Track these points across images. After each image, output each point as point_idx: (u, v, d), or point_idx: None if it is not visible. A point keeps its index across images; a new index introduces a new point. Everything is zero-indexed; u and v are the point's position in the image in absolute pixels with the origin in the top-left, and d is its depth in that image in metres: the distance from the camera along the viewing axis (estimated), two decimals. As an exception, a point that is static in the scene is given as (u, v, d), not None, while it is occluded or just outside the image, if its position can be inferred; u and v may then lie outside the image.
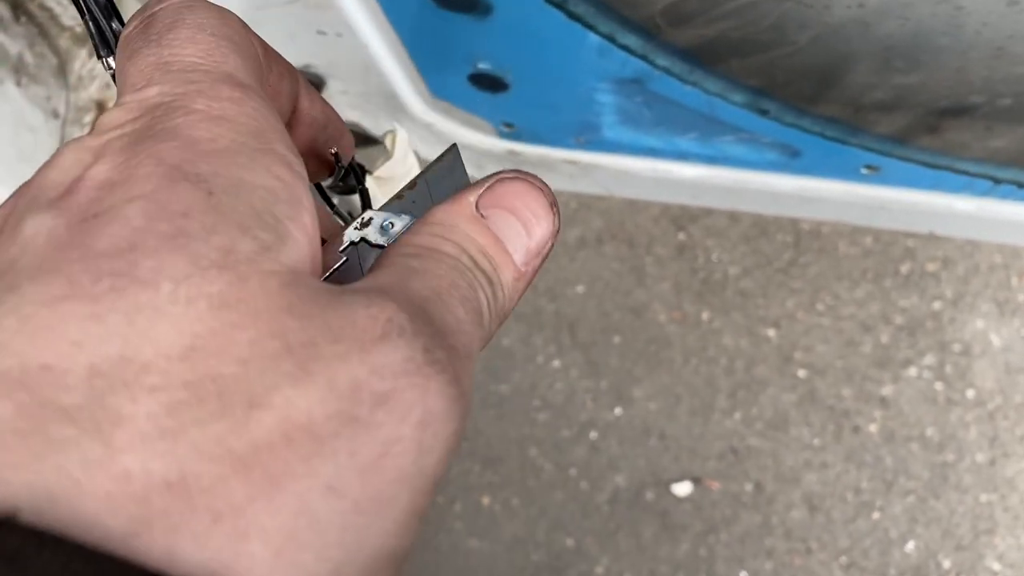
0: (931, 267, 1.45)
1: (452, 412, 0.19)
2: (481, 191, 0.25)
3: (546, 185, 0.26)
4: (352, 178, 0.34)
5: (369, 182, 0.41)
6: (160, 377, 0.16)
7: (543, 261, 0.26)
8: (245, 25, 0.25)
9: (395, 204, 0.27)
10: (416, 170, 0.47)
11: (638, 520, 1.40)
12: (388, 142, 0.46)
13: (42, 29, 0.79)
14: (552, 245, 0.26)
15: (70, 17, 0.79)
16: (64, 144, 0.21)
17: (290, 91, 0.28)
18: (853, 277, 1.47)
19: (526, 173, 0.26)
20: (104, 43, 0.27)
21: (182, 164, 0.19)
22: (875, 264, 1.47)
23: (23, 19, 0.79)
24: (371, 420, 0.18)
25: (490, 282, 0.24)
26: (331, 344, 0.18)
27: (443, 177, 0.28)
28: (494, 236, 0.25)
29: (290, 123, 0.29)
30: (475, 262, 0.24)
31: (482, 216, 0.25)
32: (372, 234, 0.26)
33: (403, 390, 0.18)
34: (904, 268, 1.46)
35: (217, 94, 0.21)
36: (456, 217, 0.25)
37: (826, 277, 1.47)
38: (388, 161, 0.46)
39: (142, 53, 0.23)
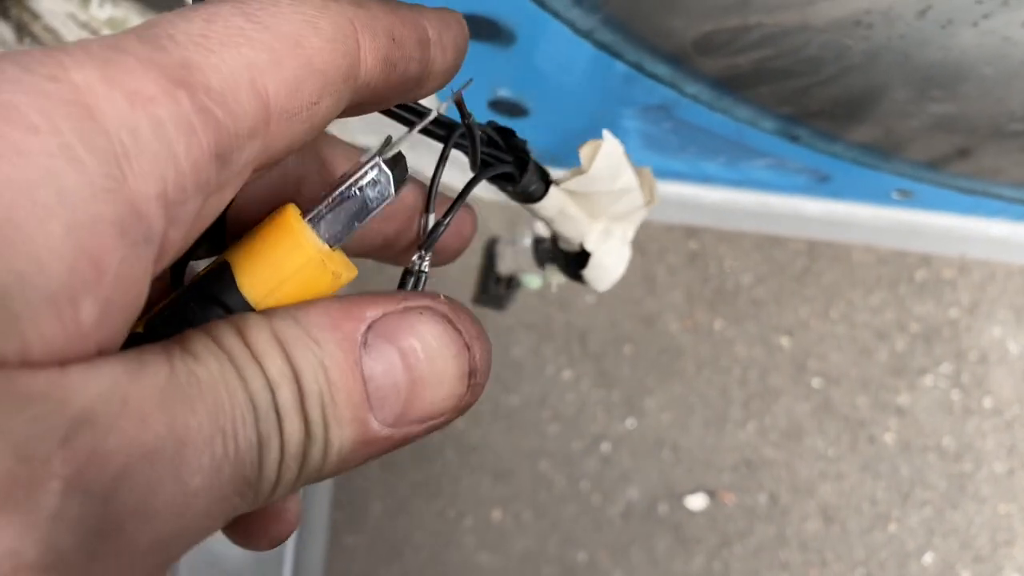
0: (947, 274, 1.43)
1: None
2: (387, 309, 0.20)
3: (480, 341, 0.21)
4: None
5: (554, 192, 0.35)
6: None
7: (428, 431, 0.20)
8: None
9: None
10: (636, 189, 0.38)
11: (651, 534, 1.38)
12: (584, 154, 0.35)
13: (45, 49, 0.78)
14: (448, 420, 0.21)
15: (75, 36, 0.78)
16: None
17: (416, 71, 0.21)
18: (867, 284, 1.45)
19: (464, 313, 0.21)
20: None
21: None
22: (890, 271, 1.45)
23: (27, 40, 0.78)
24: None
25: (306, 436, 0.18)
26: None
27: None
28: (357, 381, 0.19)
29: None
30: (288, 402, 0.18)
31: (365, 344, 0.19)
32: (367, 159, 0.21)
33: None
34: (919, 275, 1.44)
35: (125, 78, 0.16)
36: (331, 332, 0.19)
37: (840, 285, 1.45)
38: (579, 176, 0.36)
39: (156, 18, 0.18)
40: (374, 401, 0.19)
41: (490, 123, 0.29)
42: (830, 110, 0.54)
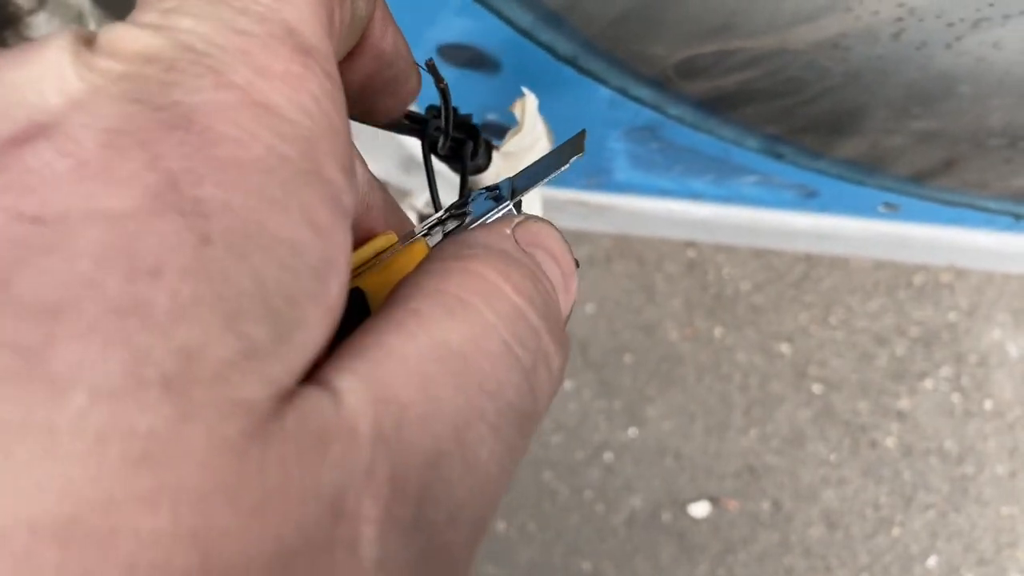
0: (945, 278, 1.43)
1: None
2: (514, 224, 0.19)
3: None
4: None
5: (495, 159, 0.36)
6: (10, 563, 0.10)
7: None
8: None
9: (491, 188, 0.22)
10: (544, 140, 0.41)
11: (655, 542, 1.39)
12: (517, 111, 0.37)
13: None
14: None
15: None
16: (46, 39, 0.14)
17: (364, 12, 0.21)
18: (866, 289, 1.45)
19: (550, 221, 0.20)
20: None
21: (181, 178, 0.13)
22: (888, 276, 1.45)
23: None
24: None
25: (566, 339, 0.18)
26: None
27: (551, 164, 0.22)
28: (550, 282, 0.18)
29: (352, 52, 0.22)
30: (555, 304, 0.17)
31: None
32: (461, 207, 0.21)
33: None
34: (918, 279, 1.45)
35: (269, 61, 0.14)
36: (507, 245, 0.18)
37: (839, 290, 1.46)
38: (516, 135, 0.37)
39: None
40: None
41: (431, 106, 0.29)
42: (813, 128, 0.55)
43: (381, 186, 0.23)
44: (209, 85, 0.14)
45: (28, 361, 0.11)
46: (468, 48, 0.51)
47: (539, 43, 0.49)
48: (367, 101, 0.23)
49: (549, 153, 0.22)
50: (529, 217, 0.19)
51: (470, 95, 0.55)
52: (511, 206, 0.21)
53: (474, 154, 0.33)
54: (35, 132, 0.13)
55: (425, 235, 0.21)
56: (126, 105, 0.13)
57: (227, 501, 0.11)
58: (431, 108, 0.28)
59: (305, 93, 0.15)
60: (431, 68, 0.24)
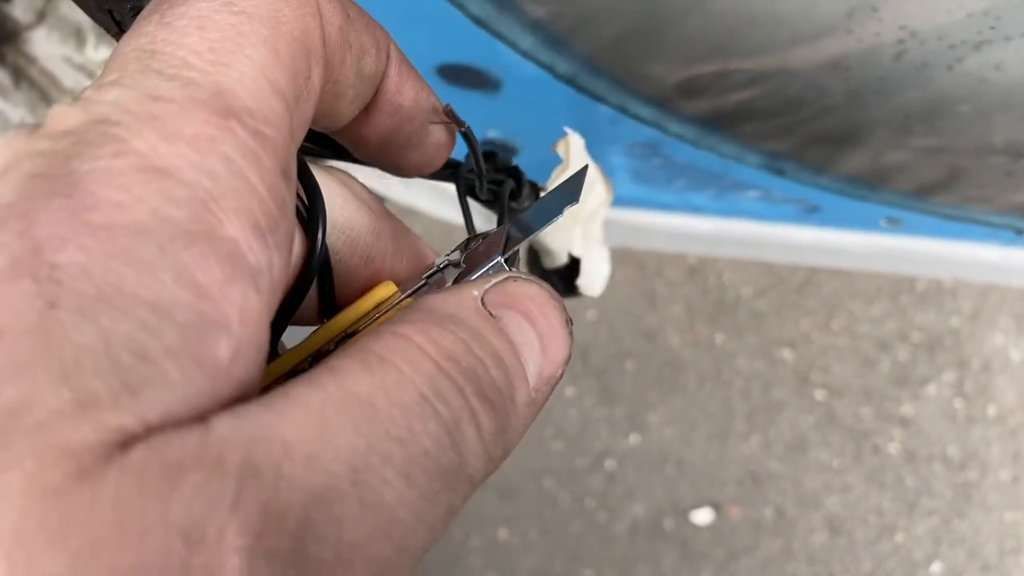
0: (947, 283, 1.43)
1: None
2: (487, 285, 0.19)
3: (560, 297, 0.21)
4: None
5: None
6: None
7: (550, 393, 0.20)
8: None
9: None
10: (599, 184, 0.39)
11: (658, 550, 1.39)
12: (560, 151, 0.37)
13: (43, 93, 0.79)
14: (562, 375, 0.20)
15: (71, 79, 0.79)
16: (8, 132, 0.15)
17: (373, 70, 0.21)
18: (868, 295, 1.45)
19: (537, 279, 0.21)
20: None
21: (45, 244, 0.13)
22: (890, 282, 1.45)
23: (24, 85, 0.79)
24: None
25: (503, 405, 0.18)
26: None
27: (555, 199, 0.22)
28: (509, 341, 0.19)
29: (368, 107, 0.22)
30: (485, 370, 0.17)
31: (491, 316, 0.19)
32: (458, 256, 0.22)
33: None
34: (920, 285, 1.44)
35: (179, 126, 0.15)
36: (458, 308, 0.18)
37: (840, 295, 1.46)
38: (564, 173, 0.37)
39: (136, 30, 0.17)
40: (522, 358, 0.19)
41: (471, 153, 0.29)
42: (814, 145, 0.55)
43: (396, 232, 0.23)
44: (108, 153, 0.15)
45: None
46: (468, 68, 0.51)
47: (539, 63, 0.49)
48: (391, 156, 0.23)
49: (545, 196, 0.22)
50: (512, 277, 0.20)
51: (471, 114, 0.55)
52: (502, 261, 0.21)
53: (516, 195, 0.32)
54: None
55: (422, 286, 0.21)
56: (25, 180, 0.14)
57: (49, 543, 0.11)
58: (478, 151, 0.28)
59: (213, 155, 0.15)
60: (449, 113, 0.24)
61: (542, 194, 0.36)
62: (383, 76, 0.21)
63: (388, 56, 0.21)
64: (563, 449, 1.43)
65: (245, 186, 0.15)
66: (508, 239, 0.21)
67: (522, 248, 0.21)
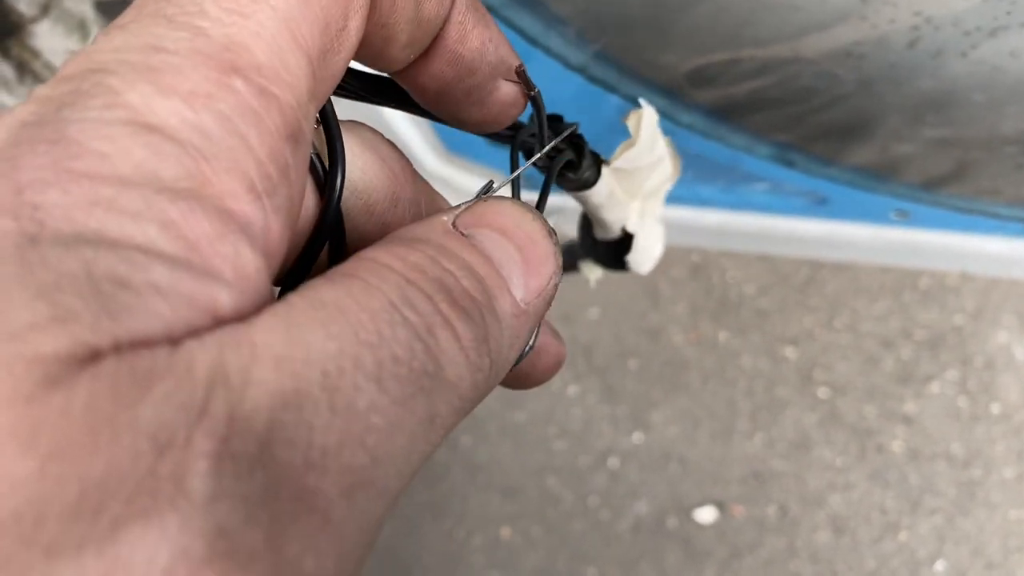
0: (951, 281, 1.43)
1: None
2: (457, 211, 0.19)
3: (537, 211, 0.20)
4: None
5: (605, 174, 0.34)
6: None
7: (547, 305, 0.20)
8: None
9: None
10: (667, 162, 0.37)
11: (661, 548, 1.38)
12: (632, 124, 0.34)
13: (47, 87, 0.78)
14: (556, 286, 0.20)
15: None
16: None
17: (433, 14, 0.20)
18: (871, 293, 1.45)
19: (513, 198, 0.20)
20: None
21: (27, 187, 0.13)
22: (893, 279, 1.44)
23: (28, 79, 0.78)
24: None
25: (479, 312, 0.17)
26: (71, 518, 0.11)
27: None
28: (482, 254, 0.18)
29: (425, 53, 0.21)
30: (455, 280, 0.17)
31: (462, 235, 0.18)
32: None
33: None
34: (923, 282, 1.44)
35: (176, 81, 0.15)
36: (427, 232, 0.18)
37: (844, 293, 1.45)
38: (630, 148, 0.34)
39: None
40: (502, 271, 0.18)
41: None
42: (824, 135, 0.54)
43: (419, 199, 0.22)
44: (99, 104, 0.14)
45: None
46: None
47: (550, 52, 0.48)
48: (450, 108, 0.22)
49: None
50: (483, 199, 0.19)
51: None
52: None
53: (576, 167, 0.31)
54: None
55: None
56: (16, 127, 0.14)
57: (19, 447, 0.11)
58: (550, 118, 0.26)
59: (208, 113, 0.15)
60: (520, 74, 0.23)
61: (604, 167, 0.34)
62: (444, 21, 0.20)
63: (451, 2, 0.20)
64: (566, 447, 1.43)
65: (241, 146, 0.15)
66: (491, 186, 0.21)
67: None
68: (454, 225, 0.18)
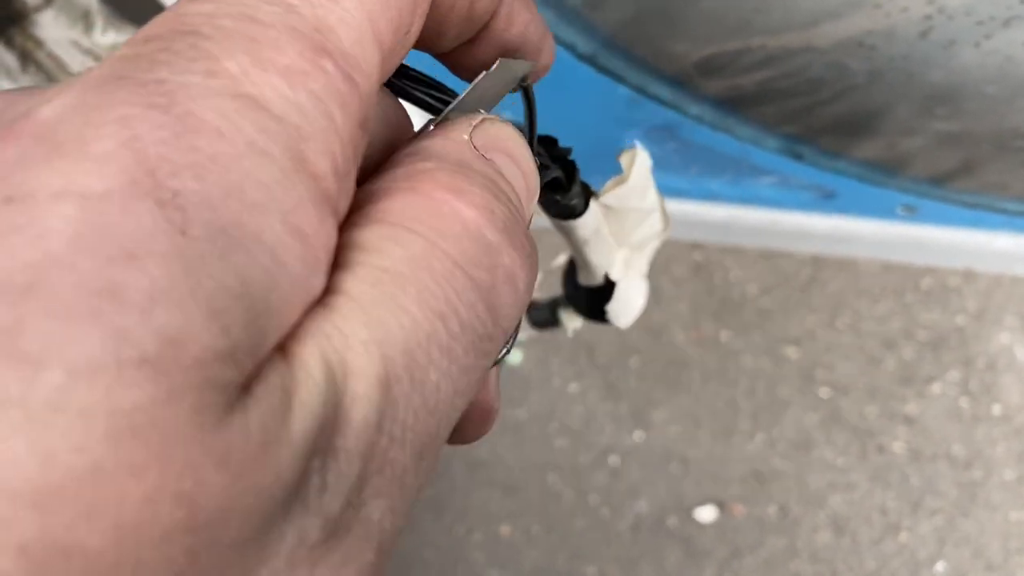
0: (953, 281, 1.43)
1: None
2: (471, 126, 0.18)
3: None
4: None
5: (593, 207, 0.34)
6: None
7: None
8: None
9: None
10: (657, 214, 0.37)
11: (661, 547, 1.38)
12: (625, 162, 0.34)
13: (50, 76, 0.78)
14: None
15: (78, 64, 0.78)
16: None
17: (483, 11, 0.20)
18: (873, 293, 1.45)
19: (504, 118, 0.20)
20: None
21: (158, 166, 0.12)
22: (895, 280, 1.44)
23: (31, 68, 0.78)
24: None
25: (534, 252, 0.18)
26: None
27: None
28: (511, 184, 0.18)
29: (472, 40, 0.21)
30: (508, 213, 0.17)
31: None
32: None
33: None
34: (925, 283, 1.44)
35: (274, 54, 0.14)
36: (460, 152, 0.17)
37: (846, 293, 1.45)
38: (621, 186, 0.34)
39: None
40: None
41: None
42: (833, 128, 0.54)
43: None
44: (200, 69, 0.13)
45: None
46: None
47: (559, 41, 0.48)
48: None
49: (483, 79, 0.20)
50: (487, 119, 0.19)
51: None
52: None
53: (565, 190, 0.30)
54: (19, 119, 0.13)
55: None
56: (109, 82, 0.13)
57: (214, 465, 0.12)
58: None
59: (303, 91, 0.14)
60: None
61: (592, 200, 0.33)
62: (492, 14, 0.20)
63: None
64: (567, 445, 1.43)
65: (331, 127, 0.15)
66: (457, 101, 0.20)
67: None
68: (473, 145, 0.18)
